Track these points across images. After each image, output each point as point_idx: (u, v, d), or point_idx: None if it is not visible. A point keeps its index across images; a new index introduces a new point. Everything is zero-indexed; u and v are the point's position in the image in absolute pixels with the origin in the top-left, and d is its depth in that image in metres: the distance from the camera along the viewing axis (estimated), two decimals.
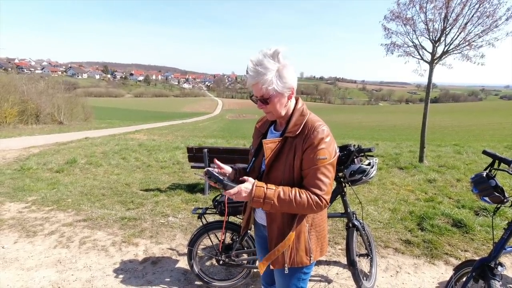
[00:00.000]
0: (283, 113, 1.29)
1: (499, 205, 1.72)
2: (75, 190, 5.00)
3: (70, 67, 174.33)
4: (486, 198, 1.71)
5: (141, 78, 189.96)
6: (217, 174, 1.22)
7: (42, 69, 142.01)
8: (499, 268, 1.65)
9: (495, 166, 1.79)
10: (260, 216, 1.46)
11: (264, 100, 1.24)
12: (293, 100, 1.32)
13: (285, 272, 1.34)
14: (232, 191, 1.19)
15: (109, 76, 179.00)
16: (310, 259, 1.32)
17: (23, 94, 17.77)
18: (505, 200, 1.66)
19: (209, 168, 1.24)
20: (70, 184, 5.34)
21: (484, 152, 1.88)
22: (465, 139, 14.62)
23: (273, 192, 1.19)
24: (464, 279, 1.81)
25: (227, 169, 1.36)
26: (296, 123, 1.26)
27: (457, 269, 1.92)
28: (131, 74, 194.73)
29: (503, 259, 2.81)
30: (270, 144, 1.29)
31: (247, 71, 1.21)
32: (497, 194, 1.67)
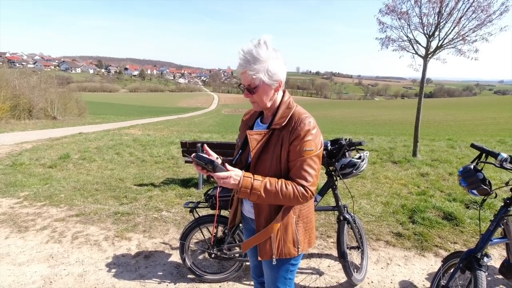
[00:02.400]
0: (268, 104, 1.30)
1: (485, 197, 1.75)
2: (68, 185, 4.96)
3: (63, 61, 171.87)
4: (474, 191, 1.74)
5: (136, 72, 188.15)
6: (207, 156, 1.21)
7: (34, 63, 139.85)
8: (485, 259, 1.68)
9: (483, 159, 1.81)
10: (248, 210, 1.46)
11: (251, 90, 1.24)
12: (280, 93, 1.32)
13: (273, 264, 1.35)
14: (221, 174, 1.17)
15: (103, 70, 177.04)
16: (298, 251, 1.33)
17: (15, 89, 17.46)
18: (491, 192, 1.69)
19: (199, 153, 1.22)
20: (63, 179, 5.31)
21: (472, 146, 1.90)
22: (459, 133, 14.78)
23: (260, 183, 1.19)
24: (451, 270, 1.84)
25: (215, 156, 1.35)
26: (283, 115, 1.27)
27: (445, 260, 1.96)
28: (126, 69, 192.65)
29: (490, 250, 2.87)
30: (256, 135, 1.29)
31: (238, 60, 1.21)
32: (484, 187, 1.70)
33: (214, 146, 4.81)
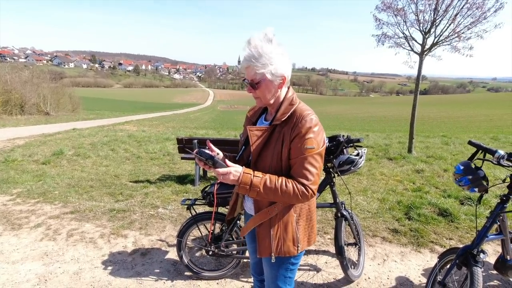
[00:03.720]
0: (271, 101, 1.28)
1: (483, 194, 1.76)
2: (62, 182, 4.90)
3: (56, 56, 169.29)
4: (476, 189, 1.74)
5: (130, 68, 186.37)
6: (208, 152, 1.20)
7: (26, 57, 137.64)
8: (481, 255, 1.70)
9: (481, 156, 1.82)
10: (249, 207, 1.45)
11: (254, 85, 1.23)
12: (284, 89, 1.30)
13: (272, 261, 1.34)
14: (221, 170, 1.16)
15: (97, 65, 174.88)
16: (297, 249, 1.32)
17: (6, 84, 17.12)
18: (488, 188, 1.71)
19: (201, 148, 1.22)
20: (57, 176, 5.23)
21: (470, 143, 1.90)
22: (453, 130, 14.92)
23: (260, 180, 1.18)
24: (448, 266, 1.85)
25: (217, 152, 1.34)
26: (285, 112, 1.25)
27: (441, 256, 1.97)
28: (120, 64, 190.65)
29: (485, 246, 2.90)
30: (256, 131, 1.28)
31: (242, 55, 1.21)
32: (484, 184, 1.71)
33: (211, 143, 4.78)
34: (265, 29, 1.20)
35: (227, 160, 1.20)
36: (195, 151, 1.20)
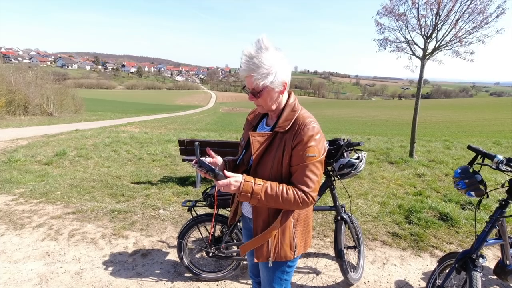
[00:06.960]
0: (273, 107, 1.28)
1: (481, 199, 1.77)
2: (65, 182, 4.93)
3: (60, 57, 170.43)
4: (472, 193, 1.75)
5: (133, 69, 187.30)
6: (208, 163, 1.21)
7: (30, 59, 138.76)
8: (481, 260, 1.70)
9: (480, 161, 1.83)
10: (247, 209, 1.46)
11: (255, 93, 1.23)
12: (285, 95, 1.31)
13: (269, 266, 1.35)
14: (221, 182, 1.17)
15: (100, 67, 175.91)
16: (294, 254, 1.33)
17: (11, 85, 17.26)
18: (485, 193, 1.71)
19: (201, 158, 1.23)
20: (59, 176, 5.27)
21: (469, 147, 1.92)
22: (455, 134, 14.88)
23: (261, 188, 1.18)
24: (447, 270, 1.86)
25: (219, 159, 1.36)
26: (287, 118, 1.25)
27: (441, 261, 1.98)
28: (123, 66, 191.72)
29: (486, 251, 2.90)
30: (258, 137, 1.28)
31: (240, 64, 1.19)
32: (482, 188, 1.72)
33: (212, 145, 4.80)
34: (259, 36, 1.16)
35: (226, 171, 1.20)
36: (194, 161, 1.21)
